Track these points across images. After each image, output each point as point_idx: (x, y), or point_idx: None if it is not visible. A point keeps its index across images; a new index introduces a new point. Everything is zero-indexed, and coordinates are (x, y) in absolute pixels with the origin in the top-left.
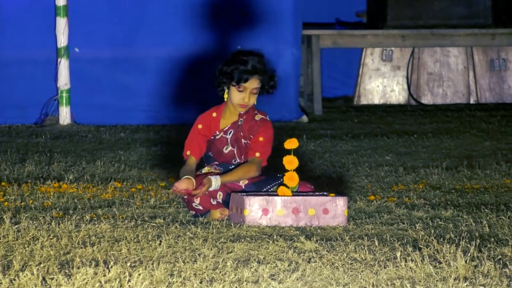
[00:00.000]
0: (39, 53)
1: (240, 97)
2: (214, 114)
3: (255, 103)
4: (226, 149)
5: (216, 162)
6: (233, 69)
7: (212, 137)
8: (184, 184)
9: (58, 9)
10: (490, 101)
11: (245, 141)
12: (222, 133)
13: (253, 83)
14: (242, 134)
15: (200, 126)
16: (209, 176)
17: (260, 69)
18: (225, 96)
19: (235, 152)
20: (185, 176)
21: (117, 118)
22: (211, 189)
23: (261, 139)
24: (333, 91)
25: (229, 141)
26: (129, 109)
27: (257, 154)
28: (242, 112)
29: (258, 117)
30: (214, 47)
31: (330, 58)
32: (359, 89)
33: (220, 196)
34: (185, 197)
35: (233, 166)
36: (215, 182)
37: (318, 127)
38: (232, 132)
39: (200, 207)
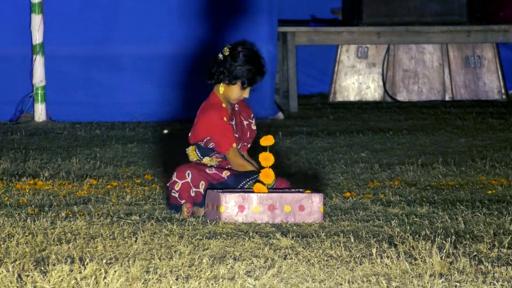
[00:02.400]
0: (14, 50)
1: (241, 93)
2: (224, 105)
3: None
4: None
5: (215, 152)
6: (246, 70)
7: None
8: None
9: (33, 6)
10: (465, 98)
11: (246, 122)
12: (230, 122)
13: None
14: (241, 117)
15: (225, 119)
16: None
17: (265, 71)
18: (220, 88)
19: (240, 137)
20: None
21: (93, 115)
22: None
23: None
24: (309, 88)
25: (234, 128)
26: (104, 106)
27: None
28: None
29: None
30: (189, 44)
31: (305, 55)
32: (335, 86)
33: (202, 185)
34: (168, 184)
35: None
36: None
37: (294, 124)
38: (234, 118)
39: (177, 195)
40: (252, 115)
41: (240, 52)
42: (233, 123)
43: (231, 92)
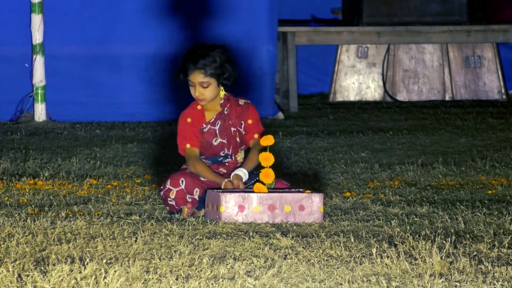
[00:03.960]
0: (14, 50)
1: (193, 91)
2: (199, 107)
3: (222, 93)
4: (215, 141)
5: (203, 156)
6: (180, 64)
7: (200, 131)
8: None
9: (33, 6)
10: (465, 98)
11: (235, 129)
12: (209, 125)
13: (196, 77)
14: (230, 121)
15: (189, 120)
16: (236, 172)
17: (202, 63)
18: None
19: (225, 143)
20: (227, 180)
21: (93, 115)
22: (244, 180)
23: (250, 121)
24: (309, 88)
25: (217, 132)
26: (104, 106)
27: (256, 136)
28: (224, 101)
29: (241, 102)
30: (190, 44)
31: (305, 55)
32: (335, 86)
33: (197, 192)
34: (162, 192)
35: (221, 158)
36: (244, 174)
37: (294, 124)
38: (220, 122)
39: (174, 203)
40: (242, 124)
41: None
42: (216, 127)
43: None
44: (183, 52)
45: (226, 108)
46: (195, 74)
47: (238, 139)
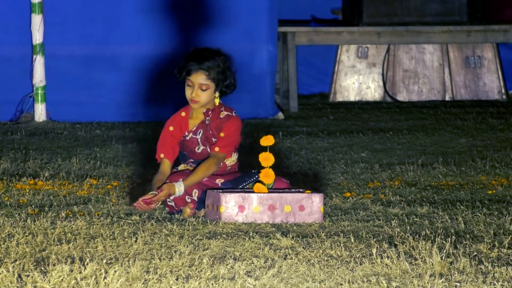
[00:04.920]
0: (14, 50)
1: (189, 91)
2: (183, 114)
3: (217, 101)
4: (198, 149)
5: (191, 160)
6: (182, 62)
7: (183, 138)
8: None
9: (33, 6)
10: (466, 98)
11: (215, 139)
12: (191, 133)
13: (198, 78)
14: (211, 132)
15: (171, 128)
16: (172, 182)
17: (206, 65)
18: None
19: (208, 150)
20: (151, 193)
21: (93, 115)
22: (176, 195)
23: (222, 134)
24: (309, 88)
25: (199, 141)
26: (104, 106)
27: (216, 149)
28: (207, 110)
29: (223, 114)
30: (190, 44)
31: (305, 55)
32: (335, 86)
33: (195, 193)
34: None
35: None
36: (179, 188)
37: (294, 124)
38: (201, 131)
39: (173, 204)
40: (219, 135)
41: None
42: (198, 136)
43: (185, 93)
44: (187, 51)
45: (208, 118)
46: (198, 74)
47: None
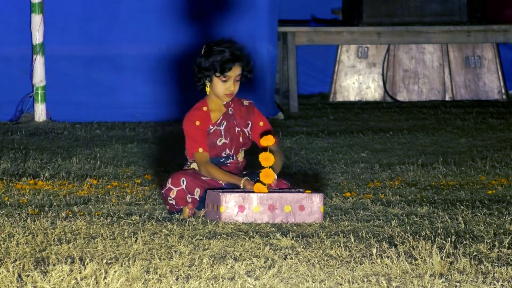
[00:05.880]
0: (14, 50)
1: (225, 86)
2: (205, 108)
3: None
4: (220, 142)
5: None
6: (214, 60)
7: (207, 132)
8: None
9: (34, 6)
10: (466, 98)
11: (239, 129)
12: (215, 126)
13: (236, 71)
14: (235, 122)
15: (198, 123)
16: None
17: (239, 55)
18: (207, 89)
19: (227, 143)
20: (245, 178)
21: (93, 115)
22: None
23: (261, 123)
24: (309, 88)
25: (222, 132)
26: (104, 106)
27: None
28: (228, 101)
29: (246, 102)
30: (189, 44)
31: (305, 55)
32: (335, 86)
33: (197, 192)
34: (163, 191)
35: (223, 159)
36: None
37: (294, 124)
38: (225, 123)
39: (174, 203)
40: (248, 122)
41: (205, 47)
42: (222, 128)
43: (215, 88)
44: (212, 48)
45: (230, 108)
46: (236, 67)
47: (241, 139)
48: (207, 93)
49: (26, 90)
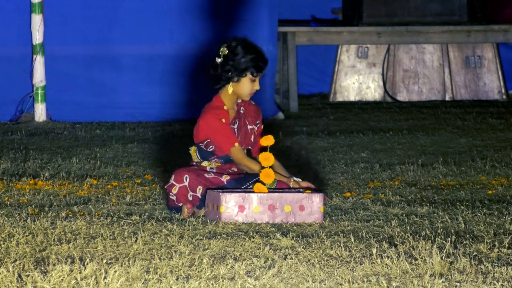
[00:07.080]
0: (14, 50)
1: (252, 86)
2: (225, 107)
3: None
4: None
5: (215, 157)
6: (251, 59)
7: None
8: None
9: (33, 6)
10: (466, 98)
11: (251, 127)
12: (230, 125)
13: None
14: (247, 120)
15: (224, 120)
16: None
17: (267, 57)
18: (229, 89)
19: (242, 140)
20: (294, 179)
21: (93, 115)
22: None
23: (261, 126)
24: (309, 88)
25: (235, 131)
26: (104, 106)
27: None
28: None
29: (253, 102)
30: (189, 44)
31: (305, 55)
32: (335, 86)
33: (199, 190)
34: (166, 186)
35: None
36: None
37: (294, 124)
38: (237, 121)
39: (174, 199)
40: (257, 122)
41: (238, 45)
42: (235, 126)
43: (242, 88)
44: (247, 47)
45: (242, 108)
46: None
47: (252, 138)
48: (228, 92)
49: (26, 90)
